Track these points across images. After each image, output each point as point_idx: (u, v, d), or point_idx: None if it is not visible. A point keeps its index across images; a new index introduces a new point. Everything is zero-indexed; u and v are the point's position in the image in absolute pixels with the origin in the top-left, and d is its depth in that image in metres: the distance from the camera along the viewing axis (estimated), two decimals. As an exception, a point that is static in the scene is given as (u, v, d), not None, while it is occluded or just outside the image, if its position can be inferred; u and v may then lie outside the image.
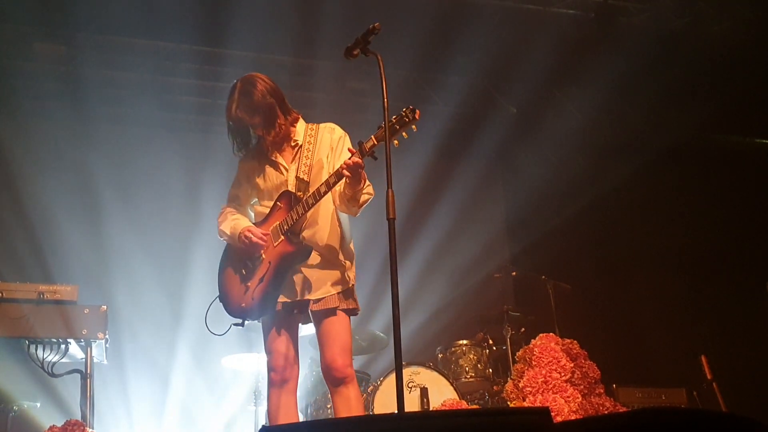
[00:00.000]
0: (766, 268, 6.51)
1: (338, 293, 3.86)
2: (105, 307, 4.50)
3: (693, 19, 6.74)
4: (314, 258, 3.86)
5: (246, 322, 3.92)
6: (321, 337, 3.87)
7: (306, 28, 6.66)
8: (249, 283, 3.86)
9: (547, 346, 4.47)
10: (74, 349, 4.49)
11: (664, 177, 7.38)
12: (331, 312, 3.84)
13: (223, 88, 7.36)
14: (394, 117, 3.61)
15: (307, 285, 3.85)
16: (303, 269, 3.86)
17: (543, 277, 6.78)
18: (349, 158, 3.65)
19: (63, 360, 4.48)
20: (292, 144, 4.01)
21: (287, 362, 3.86)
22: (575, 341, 4.60)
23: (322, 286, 3.85)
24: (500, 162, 8.66)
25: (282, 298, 3.84)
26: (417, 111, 3.61)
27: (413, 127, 3.61)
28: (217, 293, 4.04)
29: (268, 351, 3.91)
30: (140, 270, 6.89)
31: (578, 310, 6.93)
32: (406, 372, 5.67)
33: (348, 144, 3.99)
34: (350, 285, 3.93)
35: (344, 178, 3.70)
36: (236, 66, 6.91)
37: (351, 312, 3.90)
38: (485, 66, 7.28)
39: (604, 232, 7.57)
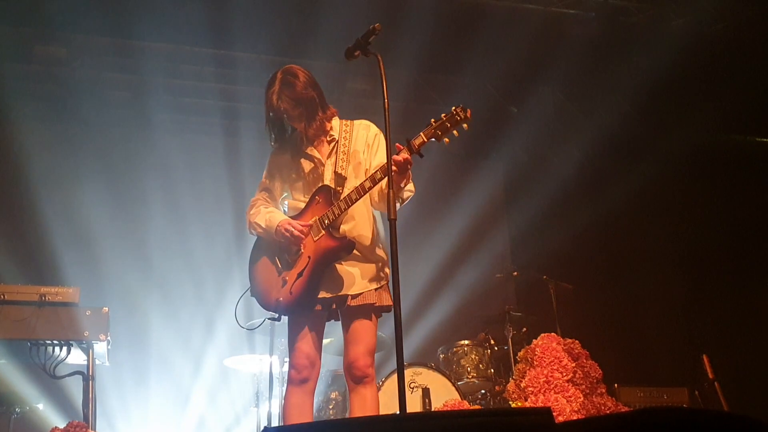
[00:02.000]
0: (768, 267, 6.52)
1: (375, 289, 3.83)
2: (107, 308, 4.51)
3: (693, 18, 6.74)
4: (352, 253, 3.82)
5: (282, 318, 3.86)
6: (349, 335, 3.83)
7: (305, 28, 6.68)
8: (286, 277, 3.80)
9: (549, 346, 4.46)
10: (76, 351, 4.49)
11: (665, 177, 7.37)
12: (367, 309, 3.82)
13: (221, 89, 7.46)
14: (444, 115, 3.63)
15: (344, 280, 3.80)
16: (340, 264, 3.82)
17: (544, 277, 6.78)
18: (398, 154, 3.63)
19: (65, 362, 4.48)
20: (329, 139, 3.98)
21: (310, 361, 3.81)
22: (577, 341, 4.59)
23: (360, 282, 3.82)
24: (502, 162, 8.66)
25: (323, 294, 3.78)
26: (468, 110, 3.62)
27: (465, 125, 3.63)
28: (248, 287, 3.98)
29: (292, 348, 3.84)
30: (142, 271, 6.90)
31: (580, 309, 6.93)
32: (408, 372, 5.67)
33: (383, 142, 3.92)
34: (386, 281, 3.90)
35: (382, 179, 3.67)
36: (240, 67, 6.96)
37: (386, 309, 3.87)
38: (486, 66, 7.28)
39: (606, 232, 7.56)
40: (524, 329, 6.40)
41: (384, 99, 3.45)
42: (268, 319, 3.91)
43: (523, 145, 8.20)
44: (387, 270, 3.92)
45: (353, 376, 3.78)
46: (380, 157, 3.93)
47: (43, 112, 7.01)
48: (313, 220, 3.82)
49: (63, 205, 6.75)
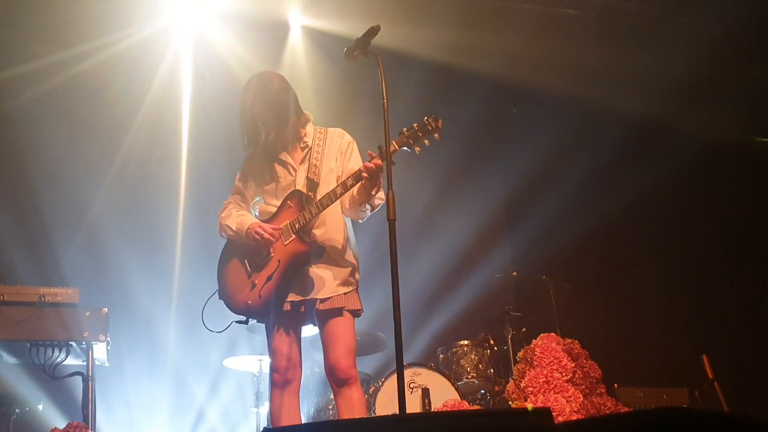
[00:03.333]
0: None
1: (344, 294, 3.87)
2: (106, 309, 4.52)
3: (694, 17, 6.74)
4: (323, 258, 3.87)
5: (250, 321, 3.90)
6: (326, 338, 3.87)
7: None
8: (255, 281, 3.84)
9: (549, 346, 4.46)
10: (76, 351, 4.50)
11: (664, 177, 7.37)
12: (337, 312, 3.84)
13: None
14: (416, 124, 3.72)
15: (313, 284, 3.85)
16: (311, 268, 3.85)
17: (544, 277, 6.79)
18: (370, 161, 3.69)
19: (65, 362, 4.49)
20: (302, 145, 4.03)
21: (290, 363, 3.84)
22: (576, 341, 4.59)
23: (329, 286, 3.86)
24: (501, 162, 8.66)
25: (291, 297, 3.82)
26: (440, 120, 3.71)
27: (436, 135, 3.73)
28: (216, 290, 4.01)
29: (272, 351, 3.88)
30: (141, 272, 6.88)
31: (579, 310, 6.92)
32: (408, 373, 5.67)
33: (356, 150, 4.07)
34: (355, 286, 3.95)
35: (354, 186, 3.75)
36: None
37: (355, 313, 3.92)
38: (486, 65, 7.27)
39: (606, 233, 7.56)
40: (524, 329, 6.40)
41: (383, 99, 3.48)
42: (236, 322, 3.92)
43: (523, 144, 8.18)
44: (357, 275, 3.98)
45: (336, 380, 3.81)
46: (353, 164, 3.99)
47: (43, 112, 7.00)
48: (284, 224, 3.86)
49: (64, 204, 6.73)
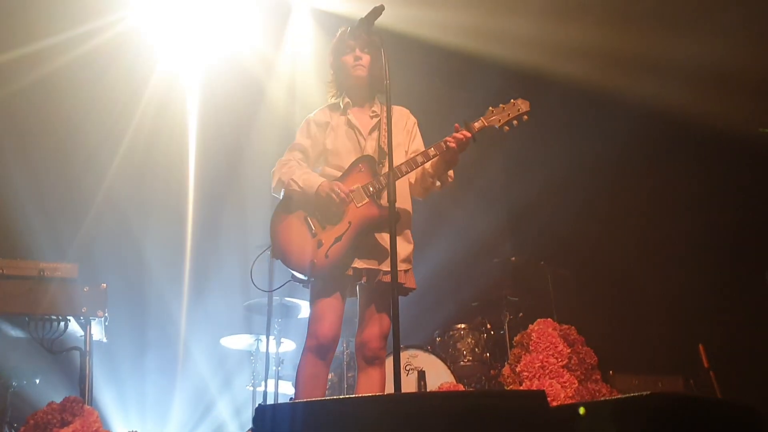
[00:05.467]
0: (765, 258, 6.51)
1: (404, 271, 3.76)
2: (105, 285, 4.53)
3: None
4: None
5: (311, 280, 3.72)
6: (371, 311, 3.78)
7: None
8: (322, 240, 3.68)
9: (545, 332, 4.47)
10: (74, 326, 4.51)
11: (665, 166, 7.37)
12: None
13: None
14: (502, 104, 3.84)
15: (379, 254, 3.71)
16: (379, 237, 3.73)
17: (542, 262, 6.80)
18: (459, 132, 3.70)
19: (62, 337, 4.50)
20: (371, 114, 3.99)
21: (336, 332, 3.69)
22: (573, 327, 4.60)
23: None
24: (502, 148, 8.64)
25: (357, 263, 3.69)
26: (527, 102, 3.84)
27: (525, 117, 3.87)
28: (266, 247, 3.89)
29: (319, 317, 3.69)
30: (140, 248, 6.89)
31: (576, 296, 6.94)
32: (404, 355, 5.70)
33: (419, 131, 4.07)
34: (411, 266, 3.87)
35: (435, 157, 3.74)
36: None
37: (409, 290, 3.83)
38: (496, 49, 7.24)
39: (604, 219, 7.56)
40: (521, 314, 6.42)
41: (386, 80, 3.48)
42: (296, 281, 3.76)
43: (523, 131, 8.16)
44: (411, 256, 3.89)
45: (365, 356, 3.76)
46: (416, 145, 3.97)
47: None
48: (356, 186, 3.75)
49: (63, 181, 6.72)
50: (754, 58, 6.55)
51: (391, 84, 3.45)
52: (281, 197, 3.89)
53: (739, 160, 6.99)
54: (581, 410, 4.22)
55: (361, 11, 3.68)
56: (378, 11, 3.56)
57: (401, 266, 3.71)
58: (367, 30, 3.63)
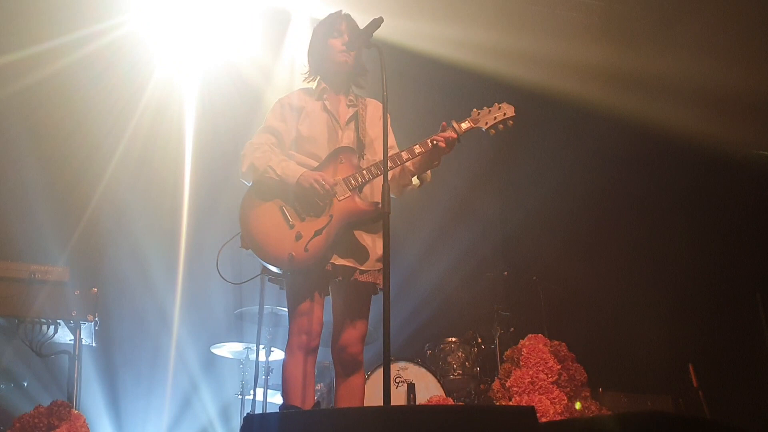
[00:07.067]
0: (756, 278, 6.52)
1: (378, 271, 3.60)
2: (95, 289, 4.51)
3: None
4: (370, 227, 3.65)
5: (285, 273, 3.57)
6: (346, 313, 3.63)
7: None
8: (301, 232, 3.50)
9: (536, 347, 4.48)
10: (63, 330, 4.50)
11: (657, 184, 7.39)
12: (372, 288, 3.63)
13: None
14: (486, 107, 3.83)
15: (357, 251, 3.59)
16: (357, 235, 3.61)
17: (534, 278, 6.80)
18: (446, 132, 3.68)
19: (52, 341, 4.48)
20: (348, 103, 3.86)
21: (318, 328, 3.54)
22: (564, 343, 4.61)
23: (372, 258, 3.61)
24: (497, 162, 8.66)
25: (336, 259, 3.55)
26: (512, 106, 3.84)
27: (509, 122, 3.85)
28: (234, 235, 3.65)
29: (301, 313, 3.53)
30: (131, 253, 6.87)
31: (568, 312, 6.94)
32: (394, 367, 5.69)
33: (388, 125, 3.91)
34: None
35: (420, 154, 3.68)
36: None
37: (377, 291, 3.68)
38: (497, 66, 7.27)
39: (597, 237, 7.58)
40: (512, 329, 6.41)
41: (384, 91, 3.45)
42: (266, 274, 3.61)
43: (519, 145, 8.19)
44: None
45: (343, 362, 3.62)
46: (392, 140, 3.84)
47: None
48: (337, 179, 3.62)
49: (58, 184, 6.70)
50: (747, 78, 6.58)
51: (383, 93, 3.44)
52: (250, 183, 3.70)
53: (731, 180, 7.01)
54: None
55: (361, 22, 3.69)
56: (377, 23, 3.55)
57: (376, 265, 3.62)
58: (365, 42, 3.63)
